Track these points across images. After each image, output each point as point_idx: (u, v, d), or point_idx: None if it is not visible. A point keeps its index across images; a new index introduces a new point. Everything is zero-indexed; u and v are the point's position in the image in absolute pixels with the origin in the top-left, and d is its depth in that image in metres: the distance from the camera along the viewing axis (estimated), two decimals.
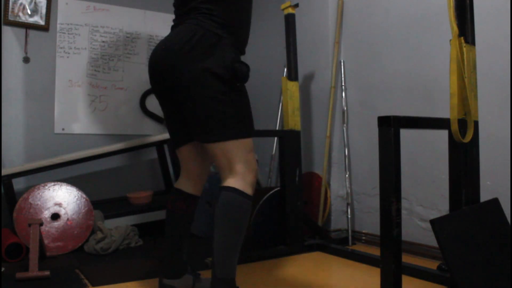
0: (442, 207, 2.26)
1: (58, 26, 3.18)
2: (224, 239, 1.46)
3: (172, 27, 1.67)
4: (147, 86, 3.48)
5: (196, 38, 1.49)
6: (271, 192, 2.55)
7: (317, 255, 2.48)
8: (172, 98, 1.63)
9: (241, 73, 1.49)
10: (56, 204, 2.56)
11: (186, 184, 1.77)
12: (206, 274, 1.84)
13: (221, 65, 1.48)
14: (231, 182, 1.49)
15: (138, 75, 3.47)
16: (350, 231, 2.71)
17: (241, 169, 1.49)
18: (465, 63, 1.44)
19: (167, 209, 1.77)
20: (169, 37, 1.59)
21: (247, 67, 1.51)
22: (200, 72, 1.47)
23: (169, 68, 1.53)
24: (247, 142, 1.52)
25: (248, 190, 1.50)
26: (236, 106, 1.51)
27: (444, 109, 1.91)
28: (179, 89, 1.53)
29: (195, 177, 1.77)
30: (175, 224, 1.75)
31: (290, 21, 2.68)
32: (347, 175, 2.80)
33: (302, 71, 2.97)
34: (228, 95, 1.49)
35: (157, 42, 3.67)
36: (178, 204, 1.75)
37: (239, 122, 1.51)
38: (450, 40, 1.44)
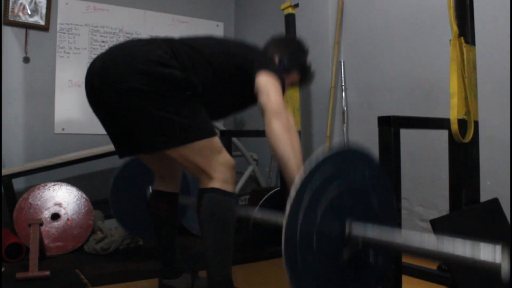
0: (442, 207, 2.26)
1: (58, 26, 3.18)
2: (213, 241, 1.43)
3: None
4: None
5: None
6: (271, 192, 2.55)
7: None
8: (111, 113, 1.54)
9: (186, 83, 1.42)
10: (56, 204, 2.56)
11: (162, 184, 1.77)
12: (204, 273, 1.84)
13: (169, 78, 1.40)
14: (209, 183, 1.45)
15: None
16: None
17: (213, 169, 1.44)
18: (465, 63, 1.44)
19: (152, 213, 1.77)
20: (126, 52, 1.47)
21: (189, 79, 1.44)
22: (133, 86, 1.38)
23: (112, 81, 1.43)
24: (206, 143, 1.44)
25: (228, 187, 1.45)
26: (178, 112, 1.41)
27: (444, 109, 1.91)
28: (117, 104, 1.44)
29: (168, 176, 1.76)
30: (163, 226, 1.75)
31: (290, 21, 2.68)
32: None
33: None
34: (167, 105, 1.40)
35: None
36: (161, 206, 1.75)
37: (185, 127, 1.42)
38: (450, 40, 1.44)
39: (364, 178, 1.14)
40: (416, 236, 1.02)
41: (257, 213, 1.55)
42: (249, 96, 1.49)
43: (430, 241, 0.98)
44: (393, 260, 1.28)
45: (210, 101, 1.54)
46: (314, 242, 1.04)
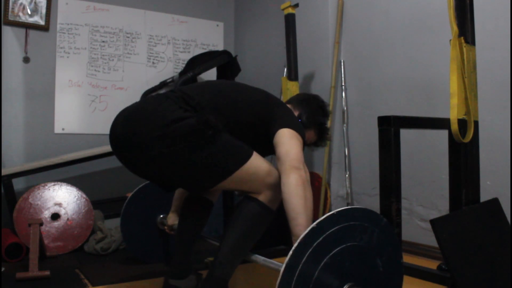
0: (442, 207, 2.26)
1: (58, 26, 3.18)
2: (234, 244, 1.46)
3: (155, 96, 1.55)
4: (147, 86, 3.48)
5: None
6: None
7: None
8: (145, 171, 1.55)
9: (204, 124, 1.42)
10: (56, 204, 2.56)
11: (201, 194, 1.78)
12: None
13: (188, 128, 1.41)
14: (255, 195, 1.49)
15: (138, 75, 3.47)
16: None
17: (260, 188, 1.48)
18: (465, 63, 1.44)
19: (182, 213, 1.76)
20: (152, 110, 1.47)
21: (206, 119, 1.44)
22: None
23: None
24: (245, 169, 1.45)
25: (271, 204, 1.49)
26: (208, 154, 1.42)
27: (444, 109, 1.91)
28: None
29: (208, 193, 1.77)
30: (188, 228, 1.75)
31: (290, 21, 2.68)
32: (347, 175, 2.80)
33: (302, 71, 2.97)
34: (194, 153, 1.41)
35: (157, 42, 3.70)
36: (194, 206, 1.75)
37: (219, 164, 1.43)
38: (450, 40, 1.44)
39: (372, 238, 1.15)
40: None
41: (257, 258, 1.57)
42: (262, 147, 1.53)
43: None
44: None
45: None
46: None
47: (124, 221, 2.17)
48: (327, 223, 1.08)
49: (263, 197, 1.48)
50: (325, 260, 1.06)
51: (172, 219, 1.98)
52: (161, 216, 2.19)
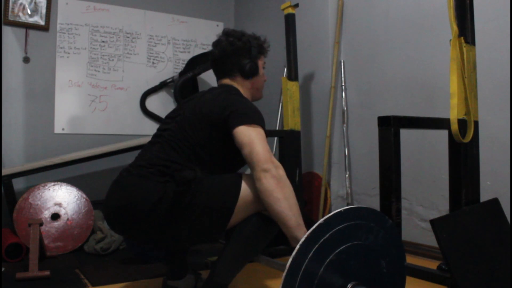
0: (442, 207, 2.26)
1: (58, 26, 3.18)
2: (236, 253, 1.45)
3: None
4: (147, 86, 3.48)
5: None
6: None
7: None
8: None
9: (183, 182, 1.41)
10: (56, 204, 2.56)
11: None
12: (206, 274, 1.84)
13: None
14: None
15: (138, 75, 3.47)
16: None
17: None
18: (465, 63, 1.44)
19: None
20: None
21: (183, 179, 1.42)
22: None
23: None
24: (240, 206, 1.41)
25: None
26: (201, 213, 1.41)
27: (444, 109, 1.91)
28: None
29: None
30: None
31: (290, 21, 2.68)
32: (347, 175, 2.80)
33: (302, 71, 2.97)
34: (188, 217, 1.40)
35: (157, 42, 3.70)
36: None
37: (214, 216, 1.42)
38: (450, 40, 1.44)
39: (377, 239, 1.14)
40: None
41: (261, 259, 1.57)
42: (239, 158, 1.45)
43: None
44: None
45: (221, 166, 1.54)
46: None
47: None
48: (334, 220, 1.07)
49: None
50: (330, 257, 1.05)
51: None
52: None
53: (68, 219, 2.56)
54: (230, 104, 1.47)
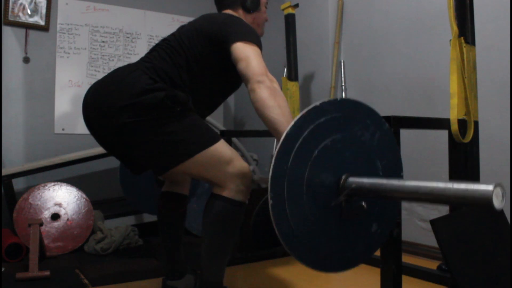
0: (442, 207, 2.26)
1: (58, 26, 3.18)
2: (212, 246, 1.44)
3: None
4: None
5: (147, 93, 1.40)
6: None
7: None
8: (111, 144, 1.56)
9: (173, 99, 1.41)
10: (56, 204, 2.56)
11: (172, 186, 1.78)
12: None
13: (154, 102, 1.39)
14: (219, 190, 1.43)
15: None
16: None
17: (223, 180, 1.42)
18: (465, 63, 1.44)
19: (160, 212, 1.76)
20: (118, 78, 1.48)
21: (175, 94, 1.42)
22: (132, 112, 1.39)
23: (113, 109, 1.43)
24: (210, 153, 1.41)
25: (238, 196, 1.43)
26: (172, 132, 1.40)
27: (444, 109, 1.91)
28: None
29: (178, 181, 1.78)
30: (170, 226, 1.75)
31: (290, 21, 2.68)
32: None
33: (302, 71, 2.97)
34: (159, 129, 1.40)
35: (157, 42, 3.68)
36: (170, 205, 1.75)
37: (183, 144, 1.41)
38: (450, 40, 1.44)
39: (373, 138, 1.09)
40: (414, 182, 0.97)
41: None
42: (234, 72, 1.44)
43: (427, 184, 0.95)
44: (394, 259, 1.28)
45: (206, 95, 1.55)
46: (304, 188, 0.97)
47: (122, 175, 2.22)
48: (331, 106, 1.02)
49: (227, 192, 1.41)
50: (326, 142, 1.00)
51: None
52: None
53: (68, 219, 2.56)
54: (231, 23, 1.50)
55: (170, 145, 1.39)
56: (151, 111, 1.37)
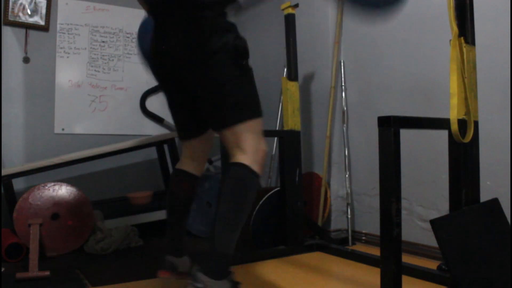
0: (442, 207, 2.26)
1: (58, 26, 3.18)
2: (228, 213, 1.44)
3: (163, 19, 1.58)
4: (147, 86, 3.48)
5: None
6: (271, 192, 2.55)
7: (317, 255, 2.48)
8: (180, 89, 1.62)
9: (243, 49, 1.49)
10: (56, 204, 2.56)
11: (189, 165, 1.80)
12: None
13: (225, 47, 1.47)
14: (241, 158, 1.49)
15: (138, 75, 3.47)
16: (350, 231, 2.71)
17: (251, 147, 1.49)
18: (465, 63, 1.44)
19: (171, 191, 1.79)
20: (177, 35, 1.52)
21: (244, 40, 1.51)
22: (208, 58, 1.46)
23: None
24: (258, 122, 1.54)
25: (257, 168, 1.50)
26: (245, 87, 1.52)
27: (444, 109, 1.90)
28: (189, 78, 1.53)
29: (198, 160, 1.81)
30: (179, 205, 1.78)
31: (290, 21, 2.68)
32: (347, 175, 2.80)
33: (302, 71, 2.97)
34: (238, 77, 1.49)
35: None
36: (183, 185, 1.77)
37: (249, 104, 1.52)
38: (450, 40, 1.44)
39: None
40: None
41: None
42: None
43: None
44: (394, 259, 1.27)
45: None
46: None
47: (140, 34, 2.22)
48: None
49: (248, 158, 1.48)
50: None
51: None
52: None
53: (68, 219, 2.56)
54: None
55: (246, 97, 1.50)
56: (237, 56, 1.48)
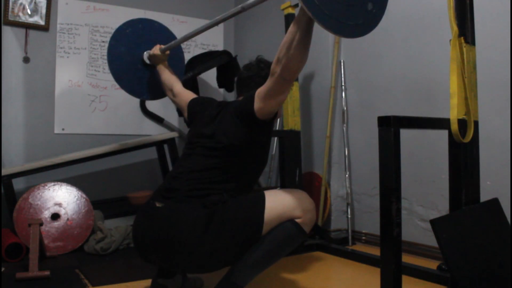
0: (442, 207, 2.26)
1: (58, 26, 3.18)
2: (262, 256, 1.50)
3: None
4: None
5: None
6: None
7: (317, 255, 2.48)
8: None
9: None
10: (56, 204, 2.56)
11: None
12: (192, 275, 1.84)
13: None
14: (296, 218, 1.55)
15: None
16: (350, 231, 2.71)
17: (295, 214, 1.54)
18: (465, 63, 1.44)
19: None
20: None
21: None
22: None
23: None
24: (268, 217, 1.52)
25: (306, 228, 1.56)
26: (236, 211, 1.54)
27: (444, 109, 1.91)
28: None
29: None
30: None
31: (290, 21, 2.68)
32: (347, 175, 2.80)
33: (302, 71, 2.96)
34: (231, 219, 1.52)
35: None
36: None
37: (249, 218, 1.53)
38: (450, 40, 1.44)
39: None
40: None
41: None
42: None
43: None
44: (394, 259, 1.28)
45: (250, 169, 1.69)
46: None
47: (111, 61, 2.34)
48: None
49: (301, 220, 1.54)
50: None
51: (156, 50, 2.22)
52: (145, 52, 2.36)
53: (68, 219, 2.56)
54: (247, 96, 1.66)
55: (239, 231, 1.51)
56: (207, 227, 1.49)
